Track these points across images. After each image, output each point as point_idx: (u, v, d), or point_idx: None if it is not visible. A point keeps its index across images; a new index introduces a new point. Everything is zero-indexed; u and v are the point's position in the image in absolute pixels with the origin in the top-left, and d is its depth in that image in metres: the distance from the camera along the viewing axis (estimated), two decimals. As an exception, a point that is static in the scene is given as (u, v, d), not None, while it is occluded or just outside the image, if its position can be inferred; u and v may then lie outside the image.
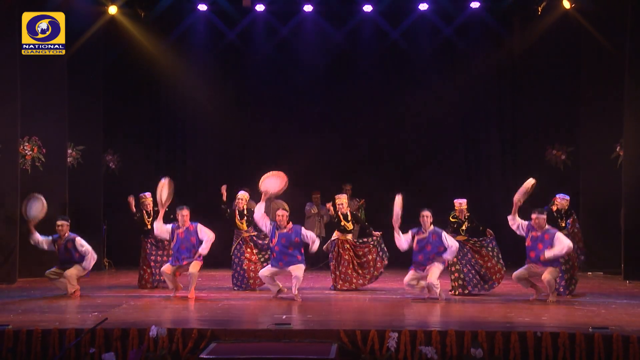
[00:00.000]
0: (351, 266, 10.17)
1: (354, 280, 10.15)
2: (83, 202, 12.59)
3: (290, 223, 9.21)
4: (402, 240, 9.08)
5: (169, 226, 9.42)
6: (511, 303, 8.72)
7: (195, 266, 9.23)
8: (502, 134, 14.36)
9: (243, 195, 10.43)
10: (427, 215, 9.01)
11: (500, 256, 9.62)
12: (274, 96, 14.60)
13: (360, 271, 10.20)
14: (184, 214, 9.34)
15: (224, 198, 10.40)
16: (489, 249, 9.62)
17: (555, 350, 6.38)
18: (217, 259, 12.22)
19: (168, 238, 9.54)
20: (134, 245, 13.49)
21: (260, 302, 9.21)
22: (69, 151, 12.77)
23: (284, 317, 7.60)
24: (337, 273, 10.18)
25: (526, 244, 8.91)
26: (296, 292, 8.98)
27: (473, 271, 9.49)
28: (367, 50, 14.46)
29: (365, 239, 10.39)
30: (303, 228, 9.31)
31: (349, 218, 10.32)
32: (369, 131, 14.50)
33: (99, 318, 7.01)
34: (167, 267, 9.38)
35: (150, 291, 9.99)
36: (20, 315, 7.70)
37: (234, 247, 10.36)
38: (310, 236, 9.19)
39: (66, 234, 9.40)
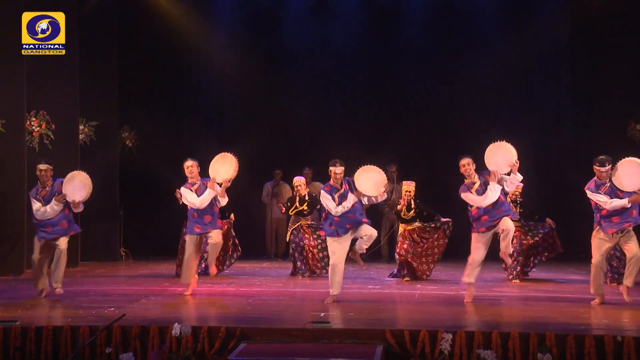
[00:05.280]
0: (417, 258, 10.63)
1: (418, 271, 10.65)
2: (97, 184, 12.64)
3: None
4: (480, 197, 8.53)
5: (186, 190, 9.15)
6: (585, 302, 8.59)
7: (219, 235, 9.21)
8: (576, 106, 14.12)
9: (299, 181, 11.15)
10: (468, 163, 8.61)
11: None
12: (309, 63, 14.64)
13: (424, 259, 10.68)
14: (188, 165, 9.16)
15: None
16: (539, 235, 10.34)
17: (640, 357, 6.27)
18: (246, 250, 12.34)
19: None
20: (153, 233, 13.72)
21: (296, 297, 9.27)
22: (81, 127, 12.96)
23: (323, 314, 7.63)
24: (407, 265, 10.62)
25: (603, 212, 8.28)
26: (364, 248, 8.64)
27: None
28: (416, 8, 14.35)
29: (436, 224, 10.75)
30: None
31: (412, 207, 10.62)
32: (419, 102, 14.41)
33: (116, 314, 7.14)
34: (191, 253, 9.13)
35: (172, 284, 10.13)
36: (29, 311, 7.88)
37: (289, 233, 11.11)
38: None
39: (49, 181, 9.04)
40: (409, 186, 10.69)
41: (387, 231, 13.01)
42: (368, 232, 8.55)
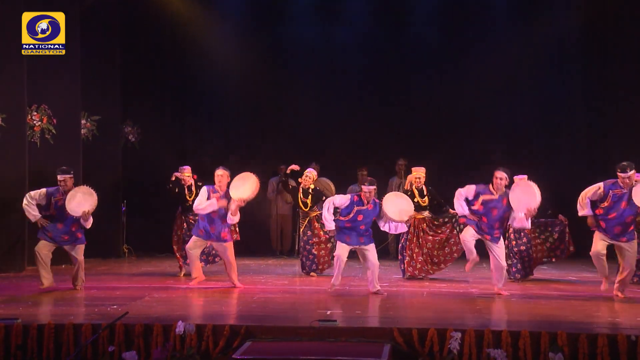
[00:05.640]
0: (426, 250, 10.49)
1: (428, 267, 10.51)
2: (99, 179, 12.78)
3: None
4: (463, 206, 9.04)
5: (204, 191, 9.39)
6: (597, 300, 8.59)
7: (231, 251, 9.47)
8: (589, 102, 14.01)
9: (311, 173, 11.07)
10: (502, 178, 8.86)
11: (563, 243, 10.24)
12: (314, 56, 14.62)
13: (435, 252, 10.52)
14: (219, 173, 9.41)
15: (172, 178, 10.75)
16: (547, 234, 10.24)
17: (655, 357, 6.24)
18: (251, 247, 12.38)
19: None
20: (156, 229, 13.72)
21: (302, 295, 9.28)
22: (83, 122, 12.98)
23: (329, 312, 7.64)
24: (409, 259, 10.47)
25: (597, 211, 8.59)
26: (377, 286, 9.01)
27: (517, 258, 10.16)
28: (423, 2, 14.30)
29: (444, 219, 10.61)
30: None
31: (425, 193, 10.53)
32: (426, 97, 14.36)
33: (119, 312, 7.16)
34: (195, 244, 9.44)
35: (176, 281, 10.15)
36: (30, 308, 7.91)
37: (301, 229, 11.08)
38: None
39: (70, 189, 9.21)
40: (418, 172, 10.58)
41: (395, 228, 12.99)
42: (371, 261, 8.92)
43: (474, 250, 9.04)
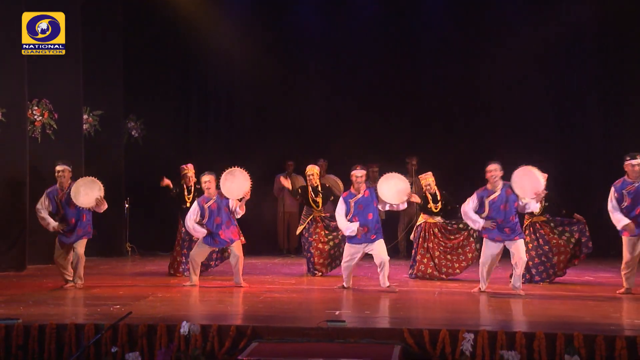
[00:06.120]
0: (437, 253, 10.39)
1: (439, 274, 10.36)
2: (102, 175, 12.70)
3: (364, 184, 9.21)
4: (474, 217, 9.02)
5: (195, 208, 9.50)
6: (615, 301, 8.54)
7: (239, 247, 9.56)
8: (605, 98, 13.95)
9: (312, 169, 10.99)
10: (495, 169, 8.83)
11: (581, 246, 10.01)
12: (322, 49, 14.60)
13: (449, 257, 10.40)
14: (205, 180, 9.51)
15: (170, 186, 10.75)
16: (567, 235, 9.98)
17: (677, 360, 6.21)
18: (257, 245, 12.38)
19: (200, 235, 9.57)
20: (160, 227, 13.75)
21: (310, 294, 9.26)
22: (85, 116, 12.99)
23: (338, 312, 7.62)
24: (423, 261, 10.40)
25: (624, 212, 8.70)
26: (387, 282, 9.06)
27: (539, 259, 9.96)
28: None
29: (456, 223, 10.48)
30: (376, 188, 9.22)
31: (439, 198, 10.43)
32: (436, 95, 14.33)
33: (122, 312, 7.16)
34: (199, 251, 9.58)
35: (180, 280, 10.14)
36: (31, 308, 7.91)
37: (302, 227, 10.99)
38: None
39: (68, 183, 9.40)
40: (427, 179, 10.50)
41: (405, 226, 12.96)
42: (380, 258, 9.03)
43: (487, 281, 9.09)
